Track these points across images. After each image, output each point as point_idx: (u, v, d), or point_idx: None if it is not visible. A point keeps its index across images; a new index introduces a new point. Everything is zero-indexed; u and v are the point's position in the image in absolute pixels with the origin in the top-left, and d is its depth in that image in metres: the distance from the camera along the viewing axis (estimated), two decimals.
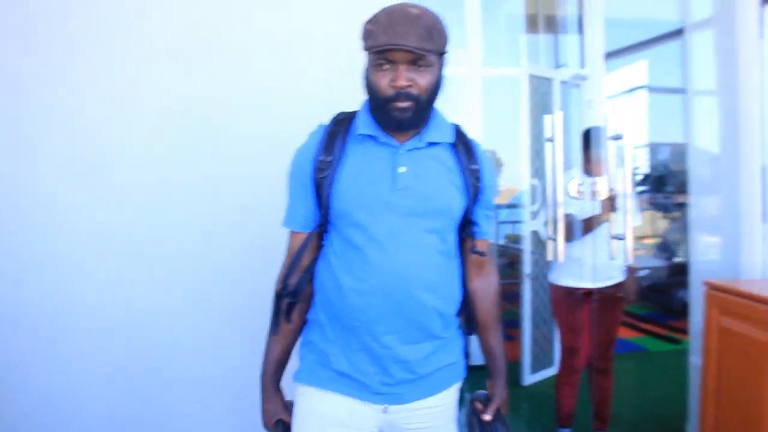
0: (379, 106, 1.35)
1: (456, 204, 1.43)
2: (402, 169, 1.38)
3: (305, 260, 1.49)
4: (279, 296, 1.50)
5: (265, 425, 1.56)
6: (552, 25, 5.03)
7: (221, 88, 2.20)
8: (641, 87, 5.86)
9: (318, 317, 1.48)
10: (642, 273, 4.83)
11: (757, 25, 2.67)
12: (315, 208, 1.45)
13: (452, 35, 1.37)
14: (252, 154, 2.19)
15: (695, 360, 2.82)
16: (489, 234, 1.57)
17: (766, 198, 2.69)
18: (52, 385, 2.16)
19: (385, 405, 1.44)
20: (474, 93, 4.13)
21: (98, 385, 2.19)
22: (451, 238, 1.47)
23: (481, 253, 1.53)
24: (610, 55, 4.77)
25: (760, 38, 2.68)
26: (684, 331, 3.82)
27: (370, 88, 1.36)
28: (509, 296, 4.31)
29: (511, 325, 4.16)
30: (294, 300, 1.49)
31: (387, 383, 1.43)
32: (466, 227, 1.49)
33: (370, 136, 1.41)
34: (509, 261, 5.07)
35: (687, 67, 3.33)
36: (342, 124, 1.45)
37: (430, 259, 1.40)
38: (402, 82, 1.30)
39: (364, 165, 1.40)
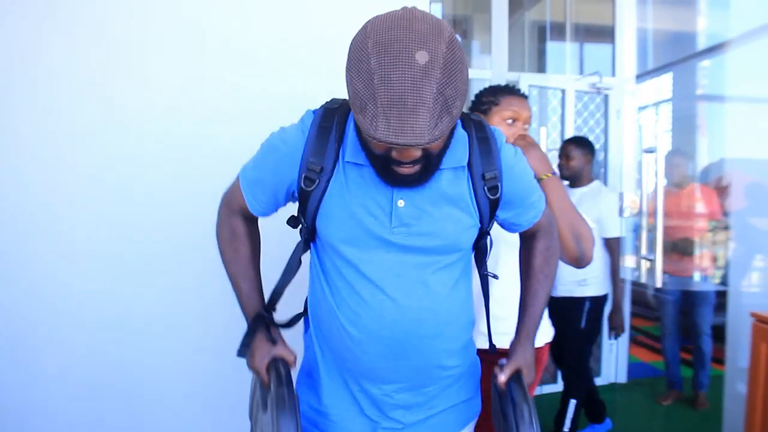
0: (376, 162, 1.08)
1: (467, 237, 1.21)
2: (401, 203, 1.13)
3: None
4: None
5: (255, 369, 1.25)
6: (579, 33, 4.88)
7: (215, 89, 2.03)
8: (667, 100, 5.69)
9: (315, 344, 1.28)
10: None
11: None
12: (273, 203, 1.25)
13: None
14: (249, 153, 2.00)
15: (730, 392, 2.65)
16: (536, 216, 1.31)
17: None
18: (31, 391, 1.99)
19: None
20: None
21: (79, 388, 2.01)
22: (466, 262, 1.26)
23: (494, 276, 1.31)
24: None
25: None
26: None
27: (365, 142, 1.07)
28: None
29: None
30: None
31: (393, 428, 1.25)
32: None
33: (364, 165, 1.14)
34: None
35: (727, 80, 3.17)
36: (334, 121, 1.17)
37: (438, 297, 1.18)
38: (410, 156, 1.02)
39: (356, 192, 1.15)
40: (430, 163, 1.07)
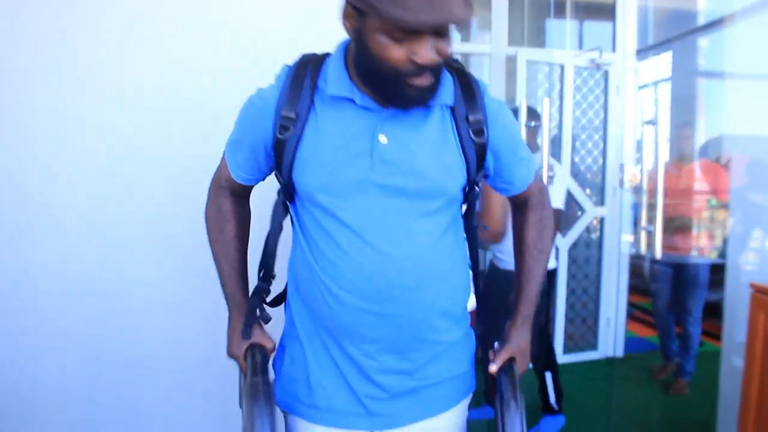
0: (387, 81, 1.04)
1: (453, 182, 1.14)
2: (383, 139, 1.09)
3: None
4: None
5: (234, 356, 1.27)
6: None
7: (211, 66, 2.01)
8: (666, 79, 5.67)
9: (294, 309, 1.23)
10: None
11: None
12: (257, 167, 1.22)
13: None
14: None
15: (726, 366, 2.67)
16: (528, 177, 1.28)
17: None
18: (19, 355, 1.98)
19: (372, 430, 1.18)
20: (498, 73, 3.97)
21: (67, 354, 2.00)
22: (453, 214, 1.19)
23: (483, 227, 1.29)
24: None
25: None
26: (705, 332, 3.67)
27: (374, 59, 1.02)
28: None
29: None
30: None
31: (378, 398, 1.17)
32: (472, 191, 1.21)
33: (344, 98, 1.10)
34: None
35: (727, 56, 3.15)
36: (308, 69, 1.15)
37: (422, 246, 1.12)
38: (430, 57, 1.00)
39: (334, 133, 1.10)
40: (439, 77, 1.06)
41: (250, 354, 1.21)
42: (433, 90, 1.07)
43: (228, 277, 1.30)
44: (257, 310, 1.27)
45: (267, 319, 1.30)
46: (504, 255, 2.91)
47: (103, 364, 2.01)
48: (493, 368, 1.23)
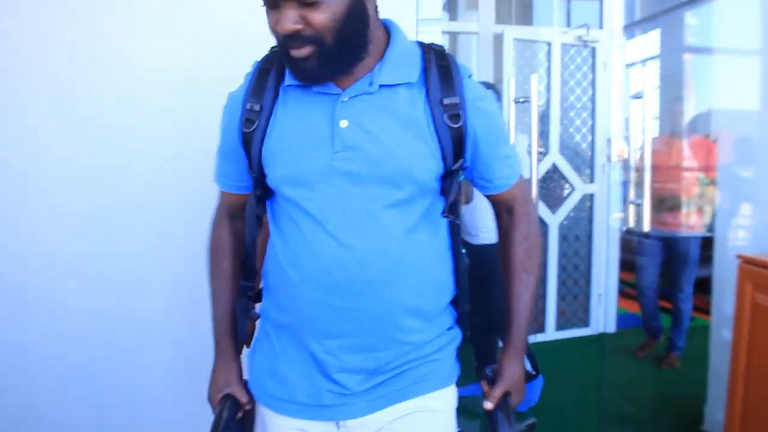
0: (282, 54, 1.04)
1: (422, 167, 1.06)
2: (343, 124, 1.04)
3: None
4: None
5: (210, 399, 1.24)
6: None
7: (211, 63, 1.95)
8: (654, 57, 5.65)
9: (264, 303, 1.22)
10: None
11: None
12: (244, 170, 1.17)
13: None
14: None
15: (716, 339, 2.69)
16: (509, 179, 1.20)
17: None
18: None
19: (337, 420, 1.13)
20: (485, 51, 3.95)
21: (67, 341, 1.98)
22: (428, 205, 1.11)
23: (454, 219, 1.15)
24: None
25: None
26: (696, 307, 3.69)
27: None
28: None
29: None
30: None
31: (339, 393, 1.11)
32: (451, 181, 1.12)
33: (302, 85, 1.07)
34: None
35: (714, 32, 3.14)
36: (275, 62, 1.11)
37: (388, 238, 1.05)
38: (285, 26, 0.96)
39: (296, 122, 1.07)
40: (324, 50, 0.99)
41: (220, 407, 1.20)
42: (321, 66, 1.01)
43: (219, 317, 1.28)
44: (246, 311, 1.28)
45: (255, 318, 1.28)
46: (476, 231, 2.94)
47: (103, 349, 2.01)
48: (489, 406, 1.17)
